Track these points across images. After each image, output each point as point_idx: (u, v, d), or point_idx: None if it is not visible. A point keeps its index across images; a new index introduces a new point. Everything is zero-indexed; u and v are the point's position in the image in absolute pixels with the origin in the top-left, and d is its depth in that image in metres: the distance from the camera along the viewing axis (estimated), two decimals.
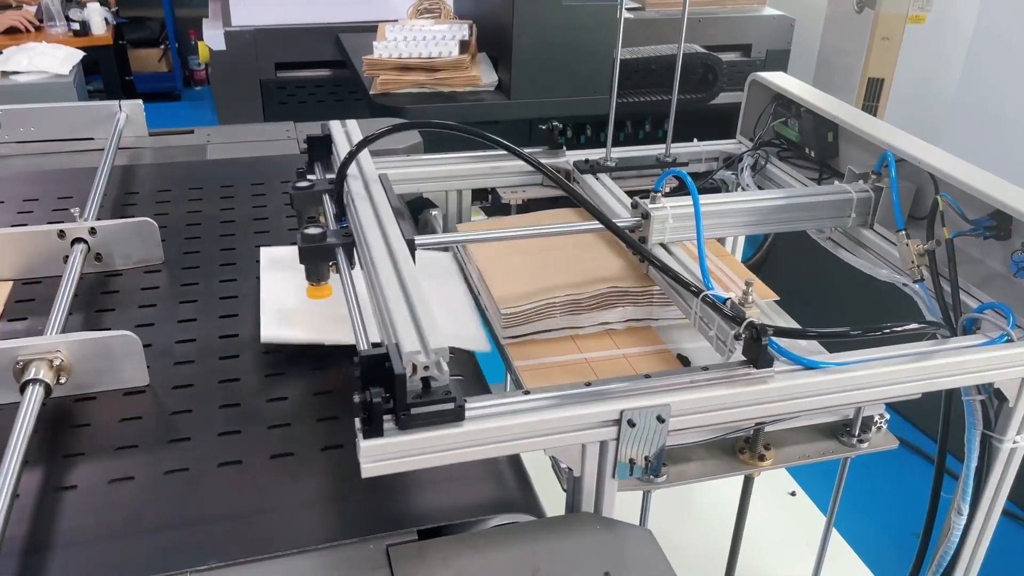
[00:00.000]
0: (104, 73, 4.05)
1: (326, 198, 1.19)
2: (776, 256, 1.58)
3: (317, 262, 1.06)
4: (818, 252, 1.36)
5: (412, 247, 1.00)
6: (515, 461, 0.96)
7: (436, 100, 2.49)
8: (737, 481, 1.26)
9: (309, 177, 1.24)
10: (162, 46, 5.84)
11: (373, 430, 0.77)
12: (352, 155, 1.15)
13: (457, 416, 0.79)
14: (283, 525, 0.85)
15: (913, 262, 1.13)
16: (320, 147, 1.32)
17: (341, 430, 0.99)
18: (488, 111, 2.52)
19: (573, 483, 0.90)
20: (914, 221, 1.22)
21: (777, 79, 1.51)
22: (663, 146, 1.50)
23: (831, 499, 1.15)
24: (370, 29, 2.93)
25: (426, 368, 0.78)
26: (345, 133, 1.31)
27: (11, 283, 1.24)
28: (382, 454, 0.78)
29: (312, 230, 1.05)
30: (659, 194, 1.15)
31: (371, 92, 2.50)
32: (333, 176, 1.23)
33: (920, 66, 3.40)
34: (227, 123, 3.17)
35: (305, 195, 1.19)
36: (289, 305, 1.16)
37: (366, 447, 0.77)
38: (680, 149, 1.53)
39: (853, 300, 1.92)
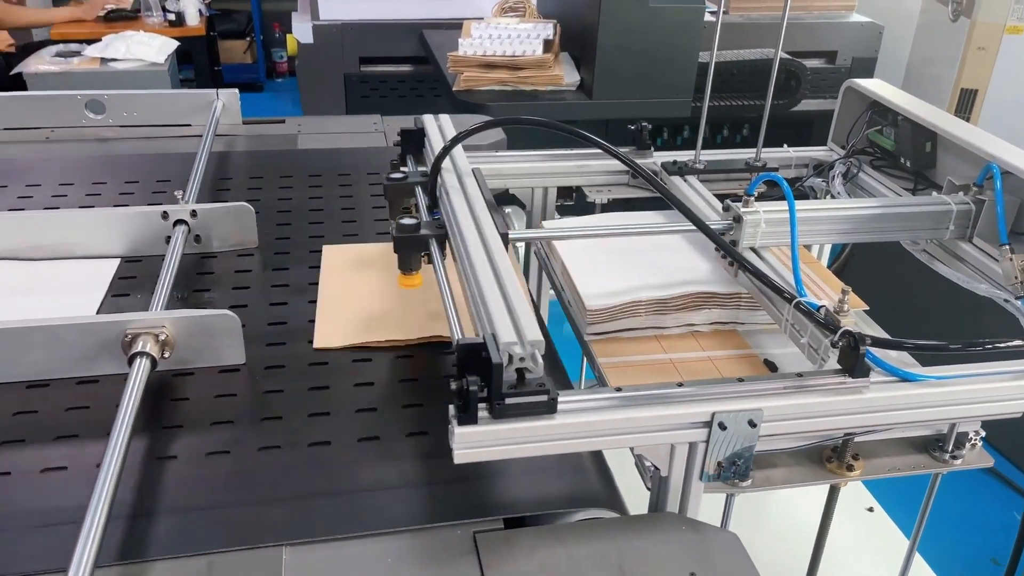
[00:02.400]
0: (195, 63, 4.18)
1: (419, 190, 1.21)
2: (852, 266, 1.55)
3: (410, 252, 1.08)
4: (895, 264, 1.33)
5: (506, 240, 1.01)
6: (598, 456, 0.96)
7: (518, 98, 2.50)
8: (814, 492, 1.25)
9: (402, 169, 1.26)
10: (248, 38, 6.00)
11: (468, 417, 0.78)
12: (447, 149, 1.16)
13: (550, 408, 0.80)
14: (370, 506, 0.87)
15: (1016, 277, 1.09)
16: (413, 140, 1.34)
17: (425, 417, 1.01)
18: (569, 110, 2.52)
19: (659, 483, 0.90)
20: (1016, 236, 1.18)
21: (874, 86, 1.47)
22: (752, 150, 1.48)
23: (918, 517, 1.12)
24: (453, 26, 2.96)
25: (521, 360, 0.79)
26: (438, 127, 1.33)
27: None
28: (475, 441, 0.79)
29: (407, 221, 1.08)
30: (752, 198, 1.14)
31: (454, 88, 2.53)
32: (425, 169, 1.26)
33: (1017, 78, 3.28)
34: (311, 114, 3.24)
35: (398, 186, 1.22)
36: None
37: (460, 433, 0.78)
38: (769, 154, 1.51)
39: (933, 313, 1.87)
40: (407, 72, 3.40)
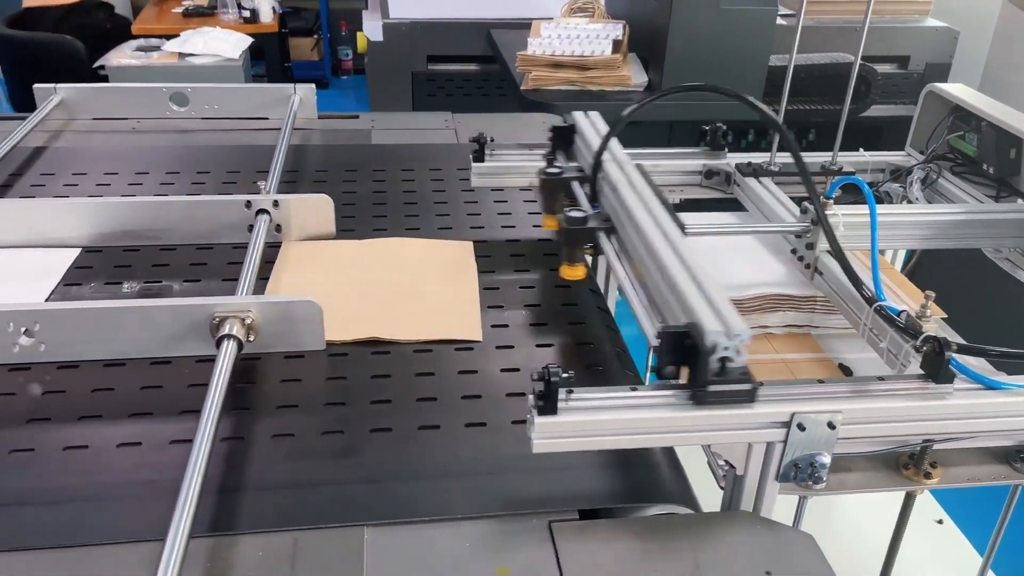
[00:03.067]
0: (267, 59, 4.28)
1: (575, 185, 1.24)
2: (920, 272, 1.53)
3: (577, 244, 1.12)
4: (966, 270, 1.31)
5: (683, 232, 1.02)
6: (670, 452, 0.97)
7: (585, 98, 2.51)
8: (881, 500, 1.23)
9: (556, 164, 1.30)
10: (315, 36, 6.11)
11: (548, 408, 0.80)
12: (606, 140, 1.18)
13: (750, 397, 0.81)
14: (445, 492, 0.89)
15: None
16: (562, 136, 1.37)
17: (482, 409, 1.02)
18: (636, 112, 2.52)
19: (733, 481, 0.90)
20: None
21: (957, 91, 1.45)
22: (828, 153, 1.47)
23: (994, 531, 1.10)
24: (520, 26, 2.98)
25: (726, 349, 0.79)
26: (590, 122, 1.35)
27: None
28: (554, 432, 0.80)
29: (576, 213, 1.11)
30: (831, 200, 1.13)
31: (521, 87, 2.54)
32: (577, 164, 1.31)
33: None
34: (378, 110, 3.28)
35: (554, 181, 1.26)
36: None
37: (540, 423, 0.79)
38: (845, 158, 1.49)
39: (1007, 321, 1.82)
40: (473, 71, 3.43)
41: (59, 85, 1.80)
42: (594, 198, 1.17)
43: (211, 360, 1.06)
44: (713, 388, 0.80)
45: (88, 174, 1.59)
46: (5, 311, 1.02)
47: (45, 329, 1.03)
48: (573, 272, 1.13)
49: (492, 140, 1.41)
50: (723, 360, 0.80)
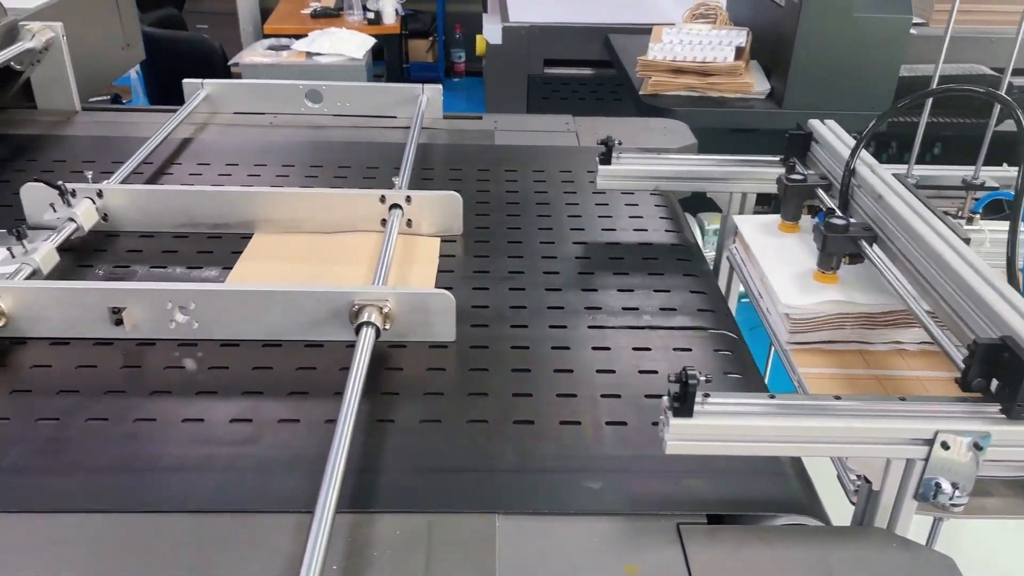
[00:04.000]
0: (388, 59, 4.40)
1: (820, 191, 1.29)
2: None
3: (839, 251, 1.15)
4: None
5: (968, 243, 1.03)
6: (797, 462, 0.95)
7: (704, 104, 2.49)
8: (1013, 528, 1.18)
9: (799, 171, 1.34)
10: (431, 38, 6.25)
11: (684, 410, 0.80)
12: (857, 148, 1.20)
13: None
14: (570, 487, 0.90)
15: None
16: (798, 144, 1.43)
17: (622, 407, 1.03)
18: (757, 119, 2.48)
19: (868, 496, 0.88)
20: None
21: None
22: (970, 168, 1.41)
23: None
24: (638, 31, 2.98)
25: None
26: (829, 130, 1.38)
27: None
28: (690, 434, 0.81)
29: (838, 221, 1.14)
30: (977, 216, 1.10)
31: (640, 92, 2.54)
32: (816, 172, 1.35)
33: None
34: (492, 112, 3.33)
35: (799, 187, 1.30)
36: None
37: (675, 425, 0.80)
38: (988, 173, 1.43)
39: None
40: (588, 75, 3.44)
41: (205, 81, 1.90)
42: (845, 206, 1.18)
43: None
44: None
45: (239, 165, 1.68)
46: (164, 290, 1.10)
47: (199, 309, 1.10)
48: (827, 278, 1.16)
49: (620, 143, 1.43)
50: None
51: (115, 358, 1.09)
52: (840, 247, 1.14)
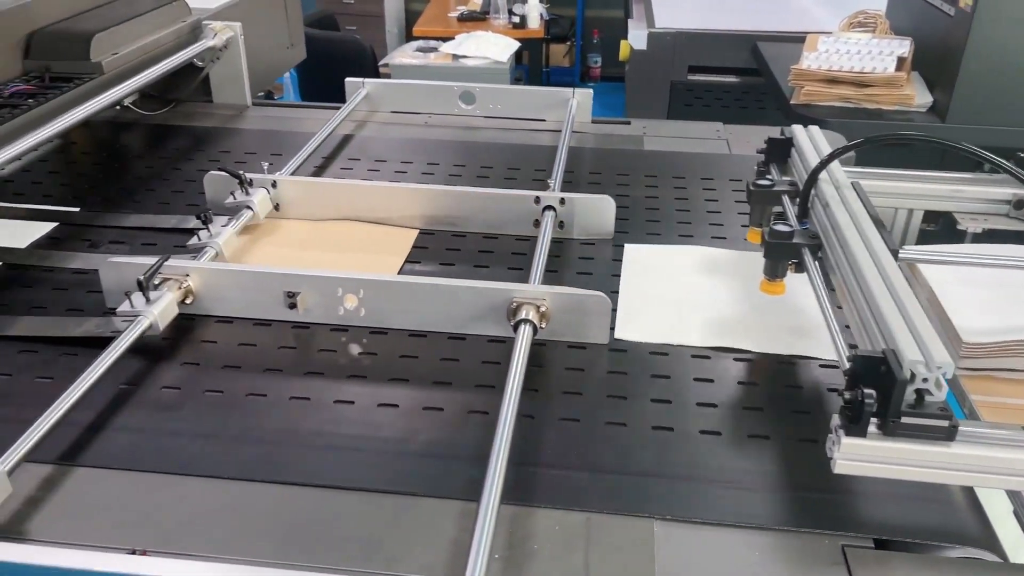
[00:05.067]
0: (530, 63, 4.46)
1: (785, 199, 1.21)
2: None
3: (780, 259, 1.09)
4: None
5: (895, 257, 0.98)
6: (970, 492, 0.91)
7: (860, 115, 2.39)
8: None
9: (768, 177, 1.27)
10: (568, 43, 6.27)
11: (856, 429, 0.78)
12: (825, 162, 1.15)
13: (949, 435, 0.77)
14: (731, 499, 0.89)
15: None
16: (778, 149, 1.34)
17: (765, 421, 1.01)
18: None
19: None
20: None
21: None
22: None
23: None
24: (789, 39, 2.89)
25: (924, 380, 0.77)
26: (809, 138, 1.31)
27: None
28: (860, 455, 0.78)
29: (781, 227, 1.09)
30: None
31: (792, 101, 2.47)
32: (791, 179, 1.26)
33: None
34: (632, 117, 3.32)
35: (765, 193, 1.23)
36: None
37: (846, 444, 0.78)
38: None
39: None
40: (732, 83, 3.37)
41: (366, 80, 1.98)
42: (803, 214, 1.13)
43: (501, 341, 1.14)
44: (907, 420, 0.76)
45: (391, 162, 1.74)
46: (336, 277, 1.15)
47: (367, 297, 1.15)
48: (773, 288, 1.10)
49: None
50: (920, 392, 0.76)
51: (274, 339, 1.16)
52: (781, 254, 1.08)
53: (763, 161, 1.36)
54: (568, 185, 1.65)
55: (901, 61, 2.40)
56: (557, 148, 1.68)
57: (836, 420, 0.79)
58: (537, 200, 1.41)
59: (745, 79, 3.34)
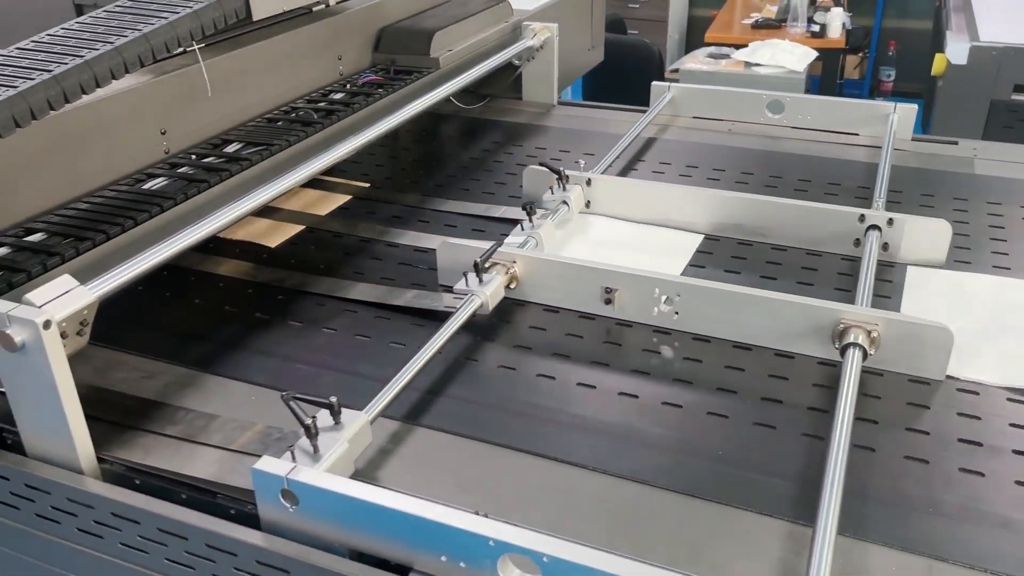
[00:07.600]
0: (823, 74, 4.24)
1: None
2: None
3: None
4: None
5: None
6: None
7: None
8: None
9: None
10: (861, 54, 5.89)
11: None
12: None
13: None
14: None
15: None
16: None
17: None
18: None
19: None
20: None
21: None
22: None
23: None
24: None
25: None
26: None
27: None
28: None
29: None
30: None
31: None
32: None
33: None
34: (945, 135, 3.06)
35: None
36: None
37: None
38: None
39: None
40: None
41: (672, 84, 1.98)
42: None
43: (830, 364, 1.08)
44: None
45: (699, 167, 1.73)
46: (654, 277, 1.16)
47: (684, 300, 1.15)
48: None
49: None
50: None
51: (598, 332, 1.18)
52: None
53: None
54: (895, 206, 1.54)
55: None
56: (877, 165, 1.58)
57: None
58: (862, 218, 1.33)
59: None
